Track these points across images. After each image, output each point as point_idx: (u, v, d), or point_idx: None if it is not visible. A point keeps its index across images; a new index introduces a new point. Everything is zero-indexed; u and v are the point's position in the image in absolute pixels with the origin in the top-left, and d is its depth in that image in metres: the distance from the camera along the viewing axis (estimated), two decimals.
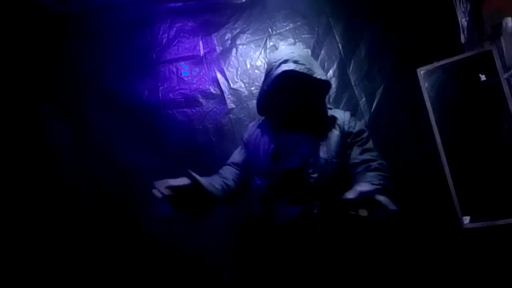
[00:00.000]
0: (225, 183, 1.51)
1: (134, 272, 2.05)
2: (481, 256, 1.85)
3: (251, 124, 1.74)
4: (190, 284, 2.03)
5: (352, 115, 1.60)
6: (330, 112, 1.58)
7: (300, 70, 1.43)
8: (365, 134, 1.53)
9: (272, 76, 1.47)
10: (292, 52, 1.50)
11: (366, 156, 1.43)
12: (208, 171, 2.11)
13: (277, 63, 1.47)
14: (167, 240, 2.08)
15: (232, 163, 1.64)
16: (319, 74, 1.49)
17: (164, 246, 2.07)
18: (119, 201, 2.12)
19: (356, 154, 1.44)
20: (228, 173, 1.59)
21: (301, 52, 1.58)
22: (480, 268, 1.84)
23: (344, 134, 1.49)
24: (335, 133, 1.48)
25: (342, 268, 1.40)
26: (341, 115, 1.56)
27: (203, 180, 1.31)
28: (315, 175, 1.40)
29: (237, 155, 1.66)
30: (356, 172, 1.40)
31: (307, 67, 1.46)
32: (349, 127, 1.50)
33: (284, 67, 1.44)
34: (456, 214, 1.87)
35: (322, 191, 1.39)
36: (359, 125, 1.55)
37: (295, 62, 1.45)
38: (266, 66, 1.59)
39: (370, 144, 1.50)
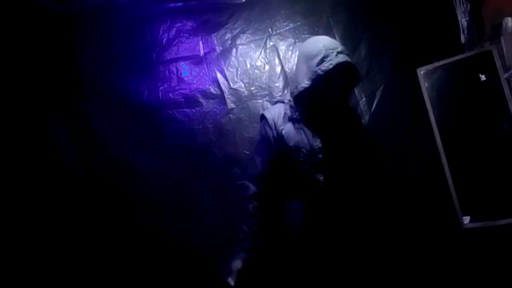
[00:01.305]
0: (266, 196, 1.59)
1: (134, 268, 2.05)
2: (481, 256, 1.85)
3: (270, 116, 1.64)
4: (188, 281, 2.04)
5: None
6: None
7: (354, 65, 1.54)
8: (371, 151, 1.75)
9: (332, 63, 1.47)
10: (341, 45, 1.57)
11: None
12: (208, 171, 2.14)
13: (334, 52, 1.49)
14: (166, 238, 2.08)
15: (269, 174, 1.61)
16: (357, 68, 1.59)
17: (164, 245, 2.07)
18: (119, 201, 2.11)
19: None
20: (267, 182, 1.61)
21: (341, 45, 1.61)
22: (480, 268, 1.84)
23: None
24: (357, 127, 1.66)
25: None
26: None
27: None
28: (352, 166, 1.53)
29: (269, 152, 1.61)
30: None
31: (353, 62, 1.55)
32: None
33: (343, 57, 1.49)
34: (456, 214, 1.87)
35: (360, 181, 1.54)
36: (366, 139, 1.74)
37: (347, 55, 1.52)
38: (312, 50, 1.54)
39: None
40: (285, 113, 1.61)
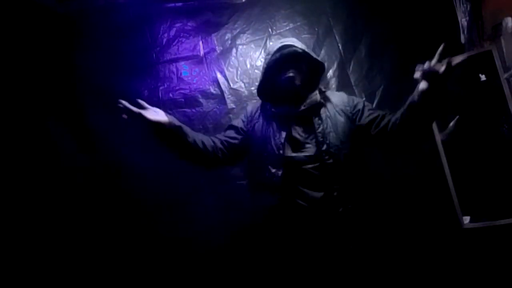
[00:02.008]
0: (212, 140, 1.66)
1: (134, 267, 2.05)
2: (481, 256, 1.85)
3: (249, 109, 1.77)
4: (187, 280, 2.04)
5: (348, 94, 1.76)
6: (327, 94, 1.69)
7: (298, 49, 1.62)
8: (364, 102, 1.67)
9: (273, 53, 1.63)
10: (290, 39, 1.75)
11: (379, 112, 1.61)
12: (208, 171, 2.13)
13: (277, 46, 1.64)
14: (165, 238, 2.08)
15: (227, 137, 1.70)
16: (314, 55, 1.67)
17: (163, 244, 2.08)
18: (119, 201, 2.11)
19: (371, 115, 1.58)
20: (218, 138, 1.69)
21: (297, 40, 1.73)
22: (480, 268, 1.84)
23: (350, 118, 1.59)
24: (339, 119, 1.58)
25: (361, 249, 1.52)
26: (339, 99, 1.66)
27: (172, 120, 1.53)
28: (330, 161, 1.48)
29: (232, 134, 1.71)
30: (383, 123, 1.53)
31: (303, 48, 1.64)
32: (351, 108, 1.61)
33: (284, 43, 1.65)
34: (456, 214, 1.87)
35: (339, 174, 1.48)
36: (356, 100, 1.67)
37: (293, 43, 1.65)
38: (268, 51, 1.71)
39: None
40: (260, 109, 1.71)
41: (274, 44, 1.70)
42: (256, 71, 2.25)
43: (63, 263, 2.00)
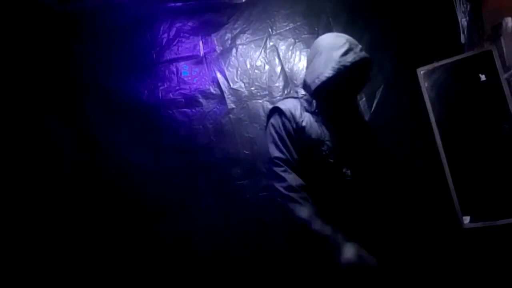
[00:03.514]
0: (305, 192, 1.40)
1: (134, 267, 2.05)
2: (481, 256, 1.85)
3: (289, 106, 1.51)
4: (188, 280, 2.04)
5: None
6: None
7: (372, 64, 1.54)
8: None
9: (358, 56, 1.46)
10: (357, 44, 1.53)
11: None
12: (208, 171, 2.14)
13: (358, 47, 1.48)
14: (165, 238, 2.08)
15: (294, 159, 1.43)
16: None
17: (163, 244, 2.08)
18: (119, 201, 2.11)
19: None
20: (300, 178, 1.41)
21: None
22: (480, 268, 1.84)
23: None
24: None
25: None
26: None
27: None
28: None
29: (292, 146, 1.44)
30: None
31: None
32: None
33: (365, 54, 1.49)
34: (456, 214, 1.87)
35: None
36: None
37: (367, 55, 1.51)
38: (336, 42, 1.50)
39: None
40: (301, 106, 1.51)
41: (349, 39, 1.50)
42: (256, 71, 2.25)
43: (62, 263, 2.00)
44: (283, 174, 1.38)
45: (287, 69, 2.23)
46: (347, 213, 1.42)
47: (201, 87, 2.26)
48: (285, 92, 2.21)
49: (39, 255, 1.98)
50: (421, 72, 2.00)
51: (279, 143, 1.44)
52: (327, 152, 1.44)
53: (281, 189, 1.36)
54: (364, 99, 2.17)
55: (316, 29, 2.26)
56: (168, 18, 2.34)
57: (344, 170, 1.42)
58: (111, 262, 2.04)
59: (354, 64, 1.44)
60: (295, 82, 2.22)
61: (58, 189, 2.08)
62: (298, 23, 2.29)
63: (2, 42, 2.10)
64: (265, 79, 2.23)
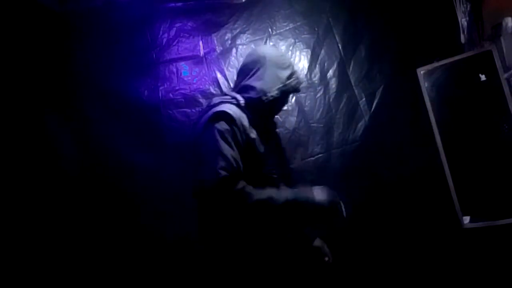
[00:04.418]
0: None
1: (134, 267, 2.05)
2: (481, 256, 1.85)
3: (239, 115, 1.38)
4: (187, 280, 2.04)
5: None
6: None
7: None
8: None
9: (299, 82, 1.55)
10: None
11: None
12: None
13: (297, 75, 1.55)
14: (165, 238, 2.08)
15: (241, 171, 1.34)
16: None
17: (163, 244, 2.08)
18: (119, 200, 2.11)
19: None
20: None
21: None
22: (480, 268, 1.85)
23: None
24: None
25: None
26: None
27: None
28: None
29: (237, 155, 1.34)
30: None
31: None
32: None
33: (301, 79, 1.60)
34: (456, 214, 1.87)
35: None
36: None
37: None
38: (283, 61, 1.52)
39: None
40: (247, 118, 1.42)
41: (285, 58, 1.58)
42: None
43: (61, 263, 2.00)
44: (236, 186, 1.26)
45: None
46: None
47: (201, 87, 2.26)
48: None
49: (35, 254, 1.98)
50: (421, 72, 2.01)
51: (227, 151, 1.28)
52: (271, 167, 1.44)
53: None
54: (364, 99, 2.18)
55: (316, 29, 2.26)
56: (168, 18, 2.34)
57: (281, 184, 1.42)
58: (111, 262, 2.04)
59: (296, 89, 1.53)
60: None
61: (58, 189, 2.07)
62: (298, 23, 2.29)
63: (1, 42, 2.11)
64: None
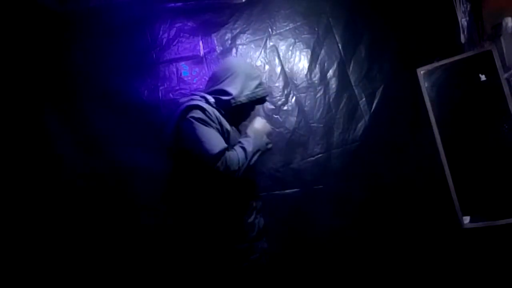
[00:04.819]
0: None
1: (134, 268, 2.05)
2: (481, 256, 1.85)
3: (211, 110, 1.52)
4: (188, 281, 2.04)
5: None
6: None
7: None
8: None
9: (265, 92, 1.70)
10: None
11: None
12: None
13: (264, 86, 1.72)
14: (166, 238, 2.08)
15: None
16: None
17: (163, 245, 2.08)
18: (119, 201, 2.11)
19: None
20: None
21: None
22: (480, 268, 1.85)
23: None
24: None
25: None
26: None
27: None
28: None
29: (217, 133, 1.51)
30: None
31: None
32: None
33: (267, 90, 1.79)
34: (456, 214, 1.88)
35: None
36: None
37: None
38: (252, 71, 1.68)
39: None
40: (220, 114, 1.56)
41: (254, 69, 1.82)
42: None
43: (61, 263, 2.00)
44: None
45: (287, 69, 2.24)
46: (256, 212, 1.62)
47: (201, 87, 2.26)
48: (285, 92, 2.22)
49: (35, 255, 1.98)
50: (421, 72, 2.01)
51: (209, 133, 1.45)
52: None
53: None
54: (364, 99, 2.18)
55: (316, 29, 2.26)
56: (168, 18, 2.34)
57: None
58: (111, 262, 2.04)
59: (262, 98, 1.68)
60: (295, 82, 2.23)
61: (58, 189, 2.07)
62: (298, 23, 2.29)
63: (1, 42, 2.11)
64: (265, 79, 2.23)
